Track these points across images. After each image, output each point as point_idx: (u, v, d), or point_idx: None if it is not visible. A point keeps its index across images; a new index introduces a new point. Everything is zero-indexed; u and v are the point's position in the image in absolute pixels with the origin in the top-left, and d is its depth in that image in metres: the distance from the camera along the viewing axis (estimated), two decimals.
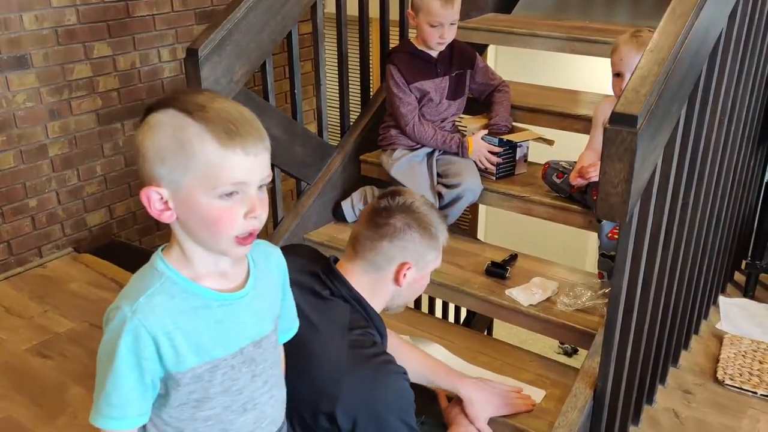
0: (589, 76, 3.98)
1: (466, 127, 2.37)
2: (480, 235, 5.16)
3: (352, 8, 2.49)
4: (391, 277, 1.44)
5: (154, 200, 0.98)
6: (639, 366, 1.71)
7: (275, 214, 2.41)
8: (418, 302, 3.36)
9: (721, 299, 2.39)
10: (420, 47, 2.30)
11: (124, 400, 1.00)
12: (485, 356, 1.89)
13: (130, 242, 3.12)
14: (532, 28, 2.64)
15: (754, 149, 2.38)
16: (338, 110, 2.59)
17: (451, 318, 3.65)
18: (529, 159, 2.38)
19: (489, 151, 2.28)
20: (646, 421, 1.85)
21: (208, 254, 1.03)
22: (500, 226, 5.16)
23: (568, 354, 5.10)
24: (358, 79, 2.66)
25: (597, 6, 3.11)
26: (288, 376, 1.26)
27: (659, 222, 1.55)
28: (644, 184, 1.39)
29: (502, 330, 4.30)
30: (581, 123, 2.34)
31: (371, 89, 2.69)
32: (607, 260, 2.03)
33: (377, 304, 1.46)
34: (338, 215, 2.48)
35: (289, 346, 1.28)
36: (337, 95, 2.56)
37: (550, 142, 2.33)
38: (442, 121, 2.37)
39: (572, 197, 2.11)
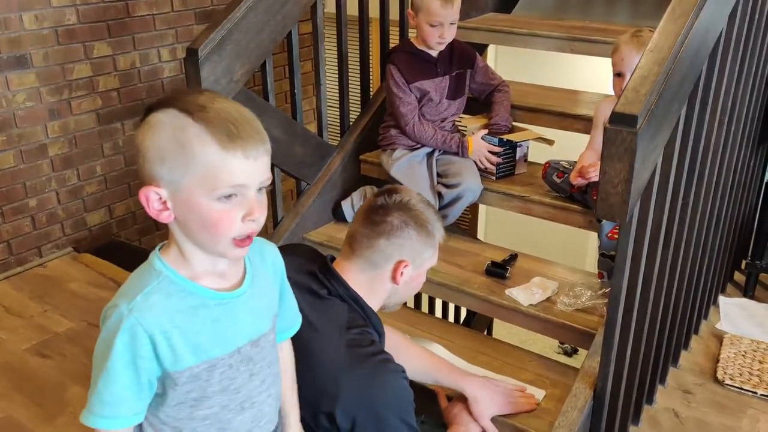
0: (589, 75, 3.98)
1: (466, 126, 2.37)
2: (480, 235, 5.16)
3: (352, 8, 2.49)
4: (388, 275, 1.44)
5: (153, 200, 0.98)
6: (639, 366, 1.71)
7: (275, 214, 2.41)
8: (418, 302, 3.37)
9: (721, 299, 2.39)
10: (420, 47, 2.29)
11: (116, 398, 1.00)
12: (485, 356, 1.89)
13: (129, 242, 3.13)
14: (532, 27, 2.64)
15: (754, 149, 2.38)
16: (338, 110, 2.59)
17: (451, 318, 3.65)
18: (529, 159, 2.38)
19: (489, 151, 2.28)
20: (646, 421, 1.85)
21: (206, 255, 1.03)
22: (500, 226, 5.16)
23: (568, 354, 5.11)
24: (358, 79, 2.66)
25: (597, 6, 3.11)
26: None
27: (659, 222, 1.55)
28: (644, 184, 1.39)
29: (502, 330, 4.30)
30: (581, 123, 2.33)
31: (371, 89, 2.69)
32: (607, 260, 2.03)
33: (374, 303, 1.46)
34: (338, 215, 2.48)
35: None
36: (337, 95, 2.56)
37: (550, 142, 2.33)
38: (442, 121, 2.37)
39: (572, 197, 2.11)
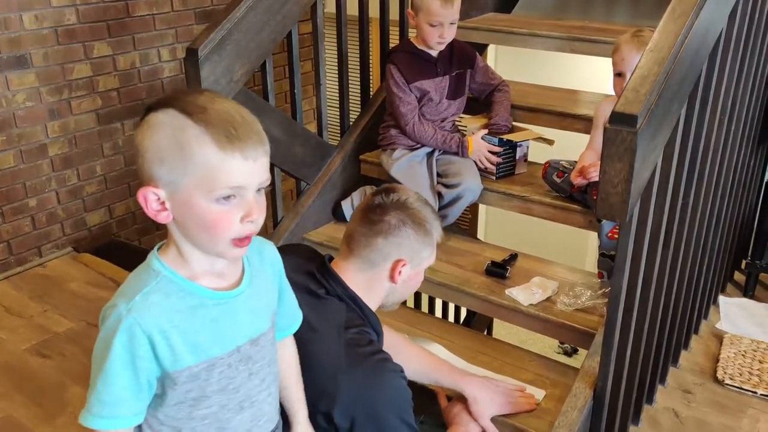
0: (590, 75, 3.98)
1: (466, 126, 2.37)
2: (480, 235, 5.17)
3: (352, 8, 2.49)
4: (386, 274, 1.44)
5: (151, 200, 0.98)
6: (639, 366, 1.71)
7: (275, 214, 2.41)
8: (418, 302, 3.37)
9: (721, 299, 2.39)
10: (420, 47, 2.29)
11: (115, 398, 0.99)
12: (485, 356, 1.89)
13: (129, 242, 3.13)
14: (532, 27, 2.64)
15: (754, 149, 2.38)
16: (338, 110, 2.59)
17: (451, 318, 3.65)
18: (529, 159, 2.38)
19: (489, 151, 2.28)
20: (646, 420, 1.85)
21: (205, 255, 1.03)
22: (500, 226, 5.16)
23: (568, 354, 5.11)
24: (358, 79, 2.66)
25: (597, 6, 3.11)
26: None
27: (659, 221, 1.55)
28: (644, 184, 1.39)
29: (502, 330, 4.30)
30: (581, 123, 2.33)
31: (371, 89, 2.69)
32: (607, 260, 2.03)
33: (372, 302, 1.46)
34: (338, 215, 2.48)
35: None
36: (337, 95, 2.56)
37: (550, 142, 2.33)
38: (442, 121, 2.37)
39: (572, 197, 2.11)
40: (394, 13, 2.61)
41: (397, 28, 2.61)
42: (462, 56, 2.37)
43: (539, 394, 1.72)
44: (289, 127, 2.32)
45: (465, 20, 2.67)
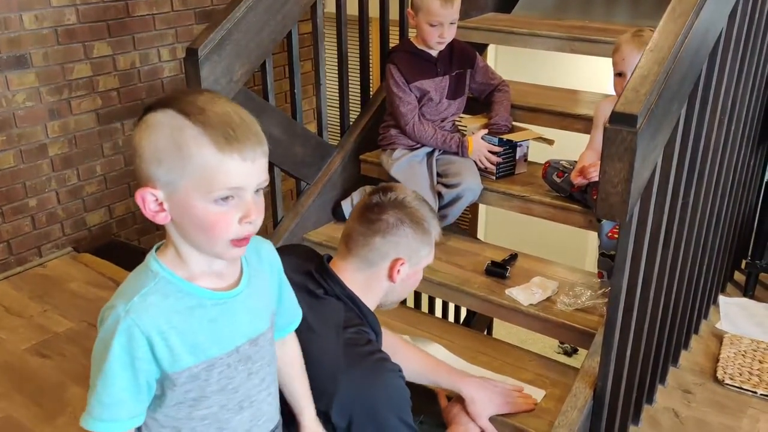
0: (590, 75, 3.99)
1: (466, 126, 2.37)
2: (480, 235, 5.17)
3: (352, 8, 2.49)
4: (384, 273, 1.44)
5: (149, 201, 0.98)
6: (639, 365, 1.71)
7: (275, 214, 2.41)
8: (418, 302, 3.37)
9: (721, 299, 2.39)
10: (420, 47, 2.29)
11: (115, 400, 0.99)
12: (485, 356, 1.89)
13: (129, 242, 3.13)
14: (532, 27, 2.64)
15: (754, 149, 2.38)
16: (338, 110, 2.59)
17: (451, 318, 3.65)
18: (529, 158, 2.38)
19: (489, 151, 2.28)
20: (646, 420, 1.85)
21: (203, 255, 1.03)
22: (500, 226, 5.16)
23: (568, 354, 5.11)
24: (358, 79, 2.66)
25: (597, 6, 3.11)
26: None
27: (659, 221, 1.55)
28: (644, 184, 1.39)
29: (501, 330, 4.30)
30: (581, 122, 2.33)
31: (371, 89, 2.69)
32: (607, 259, 2.03)
33: (371, 302, 1.46)
34: (338, 215, 2.48)
35: None
36: (337, 95, 2.56)
37: (550, 142, 2.33)
38: (442, 121, 2.37)
39: (572, 196, 2.11)
40: (394, 13, 2.61)
41: (397, 28, 2.61)
42: (462, 56, 2.37)
43: (539, 393, 1.72)
44: (289, 127, 2.32)
45: (465, 20, 2.67)
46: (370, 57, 2.64)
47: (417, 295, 3.30)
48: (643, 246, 1.51)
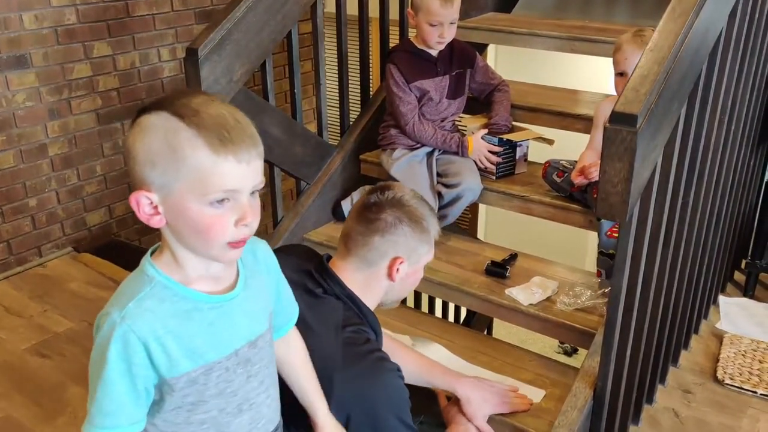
0: (590, 75, 3.98)
1: (465, 126, 2.37)
2: (480, 235, 5.17)
3: (351, 8, 2.49)
4: (384, 272, 1.44)
5: (144, 205, 0.97)
6: (639, 365, 1.71)
7: (275, 214, 2.41)
8: (418, 302, 3.37)
9: (721, 298, 2.39)
10: (420, 46, 2.29)
11: (115, 407, 0.98)
12: (485, 356, 1.89)
13: (129, 242, 3.13)
14: (532, 27, 2.64)
15: (754, 148, 2.38)
16: (338, 110, 2.59)
17: (451, 317, 3.65)
18: (529, 158, 2.38)
19: (489, 151, 2.28)
20: (646, 420, 1.85)
21: (200, 259, 1.02)
22: (500, 226, 5.17)
23: (568, 353, 5.10)
24: (358, 79, 2.66)
25: (597, 5, 3.11)
26: None
27: (659, 221, 1.55)
28: (644, 184, 1.39)
29: (501, 329, 4.30)
30: (581, 122, 2.33)
31: (371, 89, 2.69)
32: (606, 258, 2.03)
33: (371, 301, 1.46)
34: (338, 215, 2.48)
35: None
36: (337, 95, 2.56)
37: (550, 142, 2.33)
38: (442, 121, 2.37)
39: (572, 196, 2.11)
40: (394, 13, 2.61)
41: (397, 28, 2.61)
42: (462, 56, 2.37)
43: (539, 393, 1.72)
44: (289, 127, 2.32)
45: (465, 20, 2.67)
46: (370, 57, 2.64)
47: (417, 295, 3.30)
48: (643, 246, 1.51)
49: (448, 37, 2.25)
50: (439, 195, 2.23)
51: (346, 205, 2.44)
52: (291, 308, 1.26)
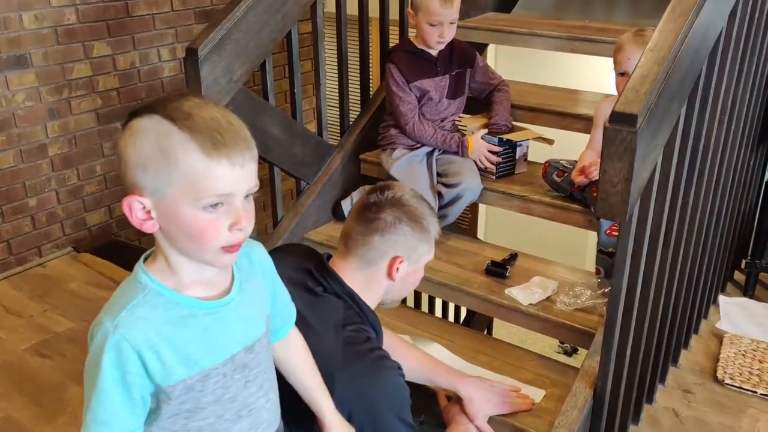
0: (590, 75, 3.99)
1: (465, 126, 2.37)
2: (480, 235, 5.17)
3: (351, 7, 2.49)
4: (384, 271, 1.44)
5: (136, 209, 0.95)
6: (639, 365, 1.71)
7: (275, 214, 2.41)
8: (418, 301, 3.37)
9: (721, 298, 2.39)
10: (420, 46, 2.29)
11: (110, 416, 0.97)
12: (485, 355, 1.89)
13: (129, 242, 3.13)
14: (532, 27, 2.64)
15: (754, 148, 2.38)
16: (338, 110, 2.59)
17: (451, 317, 3.65)
18: (529, 158, 2.38)
19: (489, 151, 2.28)
20: (646, 420, 1.85)
21: (194, 264, 1.00)
22: (500, 226, 5.17)
23: (568, 353, 5.10)
24: (358, 79, 2.66)
25: (597, 5, 3.11)
26: None
27: (659, 221, 1.55)
28: (644, 183, 1.39)
29: (501, 329, 4.30)
30: (581, 122, 2.33)
31: (371, 88, 2.69)
32: (605, 257, 2.03)
33: (371, 300, 1.46)
34: (338, 214, 2.48)
35: None
36: (337, 95, 2.56)
37: (550, 142, 2.33)
38: (442, 121, 2.37)
39: (572, 196, 2.11)
40: (394, 13, 2.61)
41: (397, 28, 2.61)
42: (462, 56, 2.36)
43: (539, 393, 1.72)
44: (289, 127, 2.32)
45: (465, 20, 2.67)
46: (370, 57, 2.64)
47: (417, 295, 3.30)
48: (643, 245, 1.51)
49: (448, 36, 2.25)
50: (439, 195, 2.23)
51: (346, 205, 2.44)
52: (288, 310, 1.25)
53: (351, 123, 2.60)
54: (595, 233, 2.07)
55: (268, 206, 2.45)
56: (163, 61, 3.10)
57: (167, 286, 1.00)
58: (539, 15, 2.98)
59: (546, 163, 2.19)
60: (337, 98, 2.56)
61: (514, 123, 2.39)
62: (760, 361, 2.03)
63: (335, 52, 2.51)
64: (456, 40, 2.34)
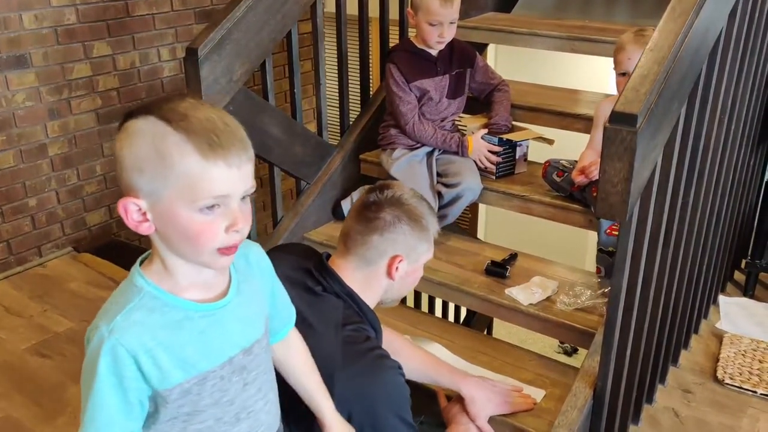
0: (590, 75, 3.99)
1: (465, 126, 2.37)
2: (480, 235, 5.17)
3: (351, 7, 2.49)
4: (383, 271, 1.44)
5: (132, 212, 0.95)
6: (639, 365, 1.71)
7: (275, 214, 2.41)
8: (418, 301, 3.37)
9: (721, 298, 2.39)
10: (420, 46, 2.29)
11: (107, 420, 0.97)
12: (485, 355, 1.89)
13: (129, 242, 3.12)
14: (532, 27, 2.64)
15: (754, 148, 2.38)
16: (338, 110, 2.59)
17: (451, 317, 3.65)
18: (529, 158, 2.38)
19: (489, 151, 2.28)
20: (646, 420, 1.85)
21: (191, 266, 1.00)
22: (500, 226, 5.16)
23: (568, 353, 5.10)
24: (358, 79, 2.66)
25: (597, 5, 3.11)
26: None
27: (659, 221, 1.55)
28: (644, 183, 1.39)
29: (501, 329, 4.30)
30: (581, 122, 2.33)
31: (371, 88, 2.69)
32: (605, 256, 2.04)
33: (370, 299, 1.46)
34: (338, 214, 2.48)
35: None
36: (337, 95, 2.56)
37: (550, 142, 2.33)
38: (442, 120, 2.37)
39: (572, 196, 2.11)
40: (393, 13, 2.61)
41: (397, 28, 2.61)
42: (462, 55, 2.37)
43: (539, 393, 1.72)
44: (289, 127, 2.32)
45: (465, 20, 2.67)
46: (370, 57, 2.64)
47: (417, 295, 3.30)
48: (643, 245, 1.51)
49: (447, 36, 2.25)
50: (439, 195, 2.23)
51: (346, 205, 2.44)
52: (288, 311, 1.25)
53: (351, 123, 2.60)
54: (595, 233, 2.07)
55: (268, 206, 2.45)
56: (163, 61, 3.10)
57: (163, 288, 0.99)
58: (539, 15, 2.98)
59: (546, 163, 2.19)
60: (337, 98, 2.56)
61: (514, 123, 2.39)
62: (760, 361, 2.03)
63: (335, 52, 2.51)
64: (456, 40, 2.34)
